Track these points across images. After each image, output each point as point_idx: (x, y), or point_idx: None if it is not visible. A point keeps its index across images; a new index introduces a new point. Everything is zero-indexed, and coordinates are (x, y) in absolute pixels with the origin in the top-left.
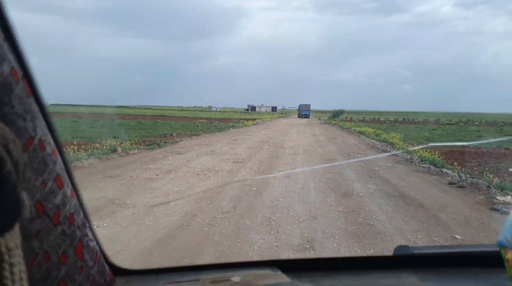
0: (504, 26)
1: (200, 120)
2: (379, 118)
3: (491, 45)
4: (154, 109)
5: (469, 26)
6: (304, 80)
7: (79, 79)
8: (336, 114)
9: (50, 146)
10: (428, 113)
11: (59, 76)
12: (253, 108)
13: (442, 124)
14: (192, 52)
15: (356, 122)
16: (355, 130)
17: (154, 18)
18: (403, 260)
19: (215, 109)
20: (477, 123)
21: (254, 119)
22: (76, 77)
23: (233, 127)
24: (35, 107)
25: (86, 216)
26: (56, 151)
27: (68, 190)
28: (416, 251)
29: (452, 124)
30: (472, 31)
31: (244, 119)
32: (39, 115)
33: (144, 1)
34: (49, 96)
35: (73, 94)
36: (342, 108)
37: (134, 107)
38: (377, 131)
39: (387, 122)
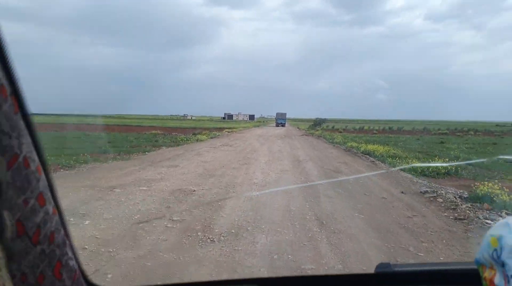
0: (471, 39)
1: (155, 131)
2: (363, 127)
3: (461, 56)
4: (125, 119)
5: (439, 38)
6: (283, 89)
7: (51, 87)
8: (317, 122)
9: (35, 163)
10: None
11: (31, 85)
12: (230, 117)
13: (435, 133)
14: (171, 61)
15: (340, 132)
16: (351, 147)
17: (132, 27)
18: (385, 278)
19: (190, 118)
20: (471, 133)
21: (222, 130)
22: (49, 85)
23: (175, 144)
24: (21, 124)
25: (67, 233)
26: (41, 168)
27: (50, 207)
28: (397, 269)
29: (445, 133)
30: (442, 43)
31: (215, 128)
32: (25, 132)
33: (123, 10)
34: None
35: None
36: (319, 117)
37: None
38: (393, 151)
39: (375, 131)
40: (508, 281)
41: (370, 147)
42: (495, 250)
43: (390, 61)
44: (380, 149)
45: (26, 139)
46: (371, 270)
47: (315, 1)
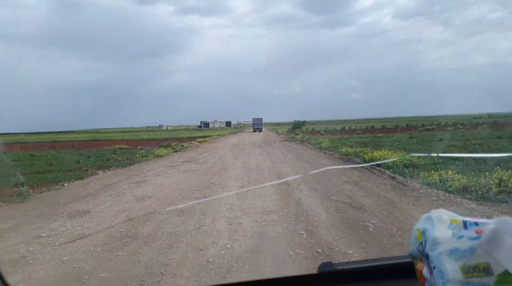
0: (440, 35)
1: (119, 145)
2: (345, 128)
3: (431, 52)
4: (99, 133)
5: (408, 36)
6: (258, 94)
7: (24, 106)
8: (296, 125)
9: None
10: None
11: (3, 105)
12: (206, 124)
13: (421, 130)
14: (143, 72)
15: (322, 134)
16: (347, 154)
17: (103, 40)
18: (328, 277)
19: (165, 128)
20: (459, 126)
21: (194, 139)
22: (22, 104)
23: (129, 162)
24: None
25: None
26: None
27: None
28: (339, 267)
29: (432, 129)
30: (411, 40)
31: (189, 137)
32: None
33: (92, 23)
34: None
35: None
36: (296, 119)
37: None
38: (407, 158)
39: (359, 131)
40: (432, 272)
41: (376, 153)
42: (421, 243)
43: (362, 60)
44: (387, 154)
45: None
46: (314, 270)
47: (285, 6)
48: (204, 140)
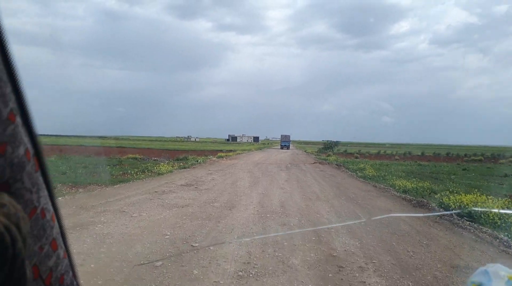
0: (477, 63)
1: (135, 155)
2: (380, 152)
3: (467, 80)
4: (129, 140)
5: (444, 63)
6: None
7: (63, 109)
8: (328, 146)
9: (50, 213)
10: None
11: (44, 106)
12: (234, 138)
13: (467, 160)
14: (178, 84)
15: (357, 157)
16: (406, 189)
17: (142, 51)
18: None
19: (194, 139)
20: (511, 158)
21: (216, 153)
22: (61, 107)
23: (121, 177)
24: (40, 180)
25: (75, 275)
26: (55, 217)
27: (61, 252)
28: None
29: (479, 160)
30: (447, 67)
31: (212, 150)
32: (43, 186)
33: (134, 35)
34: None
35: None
36: (325, 139)
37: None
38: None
39: (397, 157)
40: None
41: (465, 198)
42: None
43: (395, 84)
44: (480, 199)
45: (43, 192)
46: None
47: (321, 27)
48: (226, 155)
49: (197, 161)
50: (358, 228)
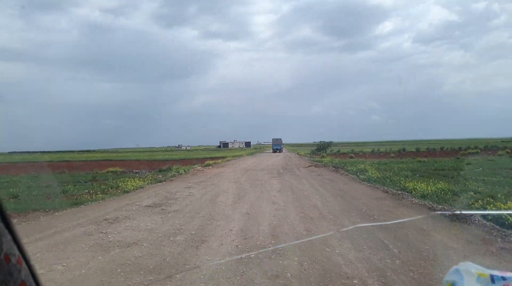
0: (460, 59)
1: (115, 168)
2: (374, 150)
3: (452, 76)
4: (117, 153)
5: (429, 60)
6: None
7: (51, 124)
8: (321, 147)
9: (15, 257)
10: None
11: (30, 123)
12: (225, 145)
13: (463, 153)
14: (166, 93)
15: (352, 157)
16: (425, 193)
17: (129, 62)
18: None
19: (184, 148)
20: (508, 150)
21: (204, 161)
22: (49, 122)
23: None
24: (1, 225)
25: None
26: (21, 259)
27: None
28: None
29: (475, 153)
30: (432, 64)
31: (201, 158)
32: (5, 231)
33: (120, 46)
34: (17, 144)
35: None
36: (317, 140)
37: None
38: None
39: (392, 155)
40: None
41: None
42: None
43: (382, 83)
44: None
45: (6, 238)
46: None
47: (306, 31)
48: (215, 163)
49: (179, 172)
50: None
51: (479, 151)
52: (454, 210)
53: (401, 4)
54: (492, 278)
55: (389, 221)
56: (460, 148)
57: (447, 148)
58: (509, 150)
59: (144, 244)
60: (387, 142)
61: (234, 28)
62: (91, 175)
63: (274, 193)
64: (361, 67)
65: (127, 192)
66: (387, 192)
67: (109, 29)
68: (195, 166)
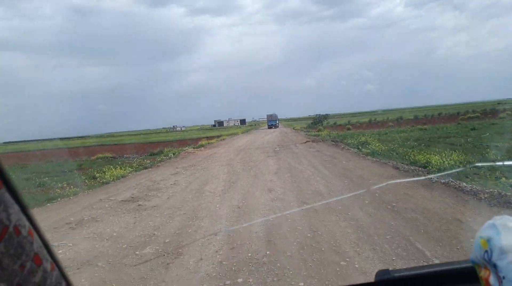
0: (454, 21)
1: (104, 154)
2: (371, 120)
3: (445, 40)
4: (113, 137)
5: (422, 24)
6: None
7: (43, 113)
8: (318, 120)
9: (26, 229)
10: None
11: (22, 112)
12: (220, 123)
13: (463, 118)
14: (158, 74)
15: (349, 128)
16: (441, 167)
17: (117, 45)
18: (385, 285)
19: (179, 129)
20: (509, 112)
21: (199, 140)
22: (41, 111)
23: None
24: (7, 196)
25: (69, 284)
26: (32, 231)
27: (48, 265)
28: (396, 274)
29: (476, 117)
30: (425, 28)
31: (196, 138)
32: (11, 201)
33: (107, 29)
34: (12, 134)
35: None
36: (311, 114)
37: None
38: None
39: (391, 124)
40: (501, 282)
41: None
42: (486, 251)
43: (375, 51)
44: None
45: (14, 208)
46: (371, 278)
47: (295, 1)
48: (208, 143)
49: (168, 155)
50: None
51: (479, 115)
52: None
53: None
54: None
55: (419, 213)
56: (458, 113)
57: (445, 114)
58: (510, 112)
59: (100, 264)
60: (383, 111)
61: (221, 3)
62: (75, 163)
63: (270, 177)
64: (352, 35)
65: (106, 183)
66: (397, 168)
67: (94, 12)
68: (186, 148)
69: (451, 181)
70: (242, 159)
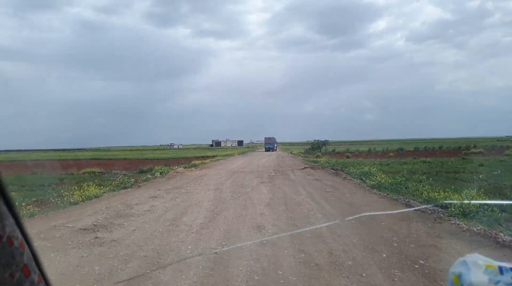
0: (454, 58)
1: (90, 168)
2: (371, 150)
3: (445, 75)
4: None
5: (422, 59)
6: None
7: (43, 123)
8: (316, 146)
9: (18, 240)
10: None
11: (23, 121)
12: (218, 143)
13: (466, 153)
14: (160, 92)
15: (348, 156)
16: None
17: (122, 60)
18: None
19: (176, 147)
20: None
21: (191, 160)
22: (41, 121)
23: None
24: (3, 208)
25: None
26: (24, 243)
27: (36, 276)
28: None
29: (478, 153)
30: (425, 62)
31: (191, 157)
32: (8, 214)
33: (113, 45)
34: (12, 142)
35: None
36: (310, 139)
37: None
38: None
39: (391, 154)
40: None
41: None
42: None
43: (375, 82)
44: None
45: (9, 220)
46: None
47: (299, 29)
48: (201, 162)
49: (154, 174)
50: None
51: (482, 151)
52: None
53: (394, 3)
54: (501, 270)
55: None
56: (460, 147)
57: (446, 147)
58: None
59: None
60: (381, 141)
61: (226, 27)
62: (62, 177)
63: (261, 209)
64: (354, 65)
65: (75, 204)
66: (410, 205)
67: (102, 28)
68: (176, 167)
69: (487, 230)
70: (232, 184)
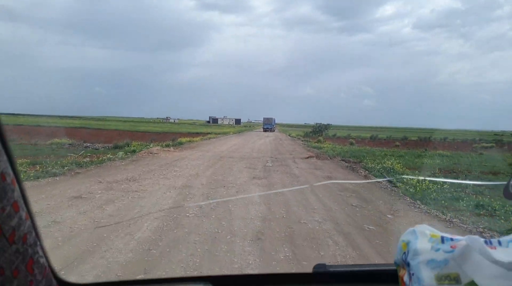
0: (458, 48)
1: (58, 139)
2: (373, 137)
3: (448, 65)
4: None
5: (427, 47)
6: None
7: (40, 88)
8: (317, 129)
9: (10, 177)
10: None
11: (20, 85)
12: (214, 120)
13: (477, 146)
14: (160, 64)
15: (352, 143)
16: None
17: (123, 29)
18: (321, 277)
19: (172, 121)
20: None
21: (186, 136)
22: (38, 86)
23: None
24: None
25: (38, 235)
26: (15, 181)
27: (23, 213)
28: (331, 269)
29: (490, 147)
30: (430, 51)
31: (185, 133)
32: (2, 151)
33: (115, 12)
34: (8, 105)
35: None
36: (307, 122)
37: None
38: None
39: (397, 143)
40: (411, 278)
41: None
42: (404, 253)
43: (377, 68)
44: None
45: (3, 157)
46: (309, 270)
47: (305, 8)
48: (190, 140)
49: (117, 154)
50: None
51: (494, 145)
52: None
53: None
54: (442, 239)
55: None
56: (467, 140)
57: (453, 139)
58: None
59: None
60: (379, 127)
61: (231, 1)
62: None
63: (245, 246)
64: (357, 50)
65: None
66: None
67: None
68: (151, 145)
69: None
70: (211, 178)
